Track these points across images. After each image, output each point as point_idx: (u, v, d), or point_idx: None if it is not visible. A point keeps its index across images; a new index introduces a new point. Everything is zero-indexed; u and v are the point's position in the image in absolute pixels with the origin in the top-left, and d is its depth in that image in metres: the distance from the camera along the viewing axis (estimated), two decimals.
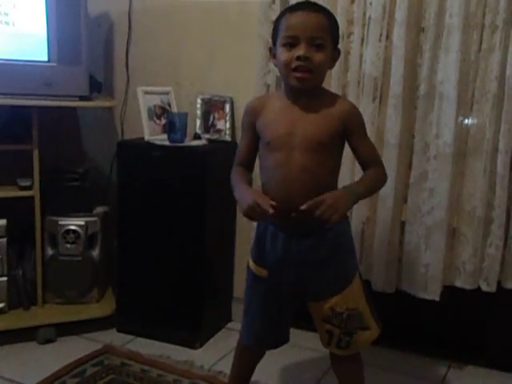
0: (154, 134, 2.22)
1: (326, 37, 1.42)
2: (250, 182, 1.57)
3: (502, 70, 1.82)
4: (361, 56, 1.99)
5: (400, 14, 1.89)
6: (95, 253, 2.27)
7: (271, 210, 1.36)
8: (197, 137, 2.26)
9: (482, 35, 1.85)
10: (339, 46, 1.52)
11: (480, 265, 1.95)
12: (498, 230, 1.90)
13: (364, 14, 1.96)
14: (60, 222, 2.22)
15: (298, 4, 1.52)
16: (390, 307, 2.06)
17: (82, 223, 2.24)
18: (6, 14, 1.98)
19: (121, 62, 2.46)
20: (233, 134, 2.29)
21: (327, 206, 1.35)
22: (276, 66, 1.53)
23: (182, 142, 2.14)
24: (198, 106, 2.28)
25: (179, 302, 2.18)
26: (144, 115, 2.20)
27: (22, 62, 2.01)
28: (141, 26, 2.42)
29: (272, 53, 1.52)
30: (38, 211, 2.13)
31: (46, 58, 2.03)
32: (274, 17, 2.09)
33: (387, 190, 1.96)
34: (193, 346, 2.16)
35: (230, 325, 2.36)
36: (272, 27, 2.03)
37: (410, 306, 2.08)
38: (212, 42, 2.31)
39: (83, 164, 2.37)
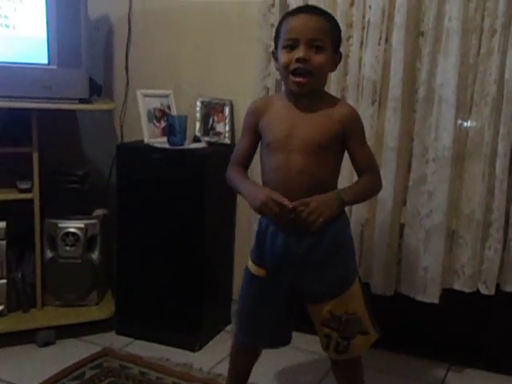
0: (153, 136, 2.22)
1: (325, 39, 1.43)
2: None
3: (500, 74, 1.83)
4: (360, 59, 2.00)
5: (399, 18, 1.89)
6: (94, 255, 2.27)
7: (289, 203, 1.39)
8: (196, 139, 2.26)
9: (480, 39, 1.86)
10: (341, 46, 1.53)
11: (479, 268, 1.95)
12: (497, 233, 1.91)
13: (363, 17, 1.97)
14: (59, 225, 2.22)
15: (298, 8, 1.55)
16: (389, 310, 2.07)
17: (82, 226, 2.24)
18: (6, 17, 1.99)
19: (120, 64, 2.46)
20: (232, 137, 2.29)
21: (312, 208, 1.38)
22: (277, 69, 1.54)
23: (182, 144, 2.14)
24: (198, 108, 2.28)
25: (178, 304, 2.18)
26: (144, 118, 2.21)
27: (22, 65, 2.01)
28: (140, 29, 2.43)
29: (274, 56, 1.53)
30: (38, 214, 2.13)
31: (45, 61, 2.04)
32: (273, 20, 2.11)
33: (386, 193, 1.97)
34: (192, 349, 2.16)
35: (229, 327, 2.36)
36: (272, 30, 2.09)
37: (409, 309, 2.08)
38: (211, 45, 2.31)
39: (83, 166, 2.37)
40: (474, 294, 1.97)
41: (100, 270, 2.29)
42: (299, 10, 1.49)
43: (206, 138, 2.28)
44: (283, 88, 1.59)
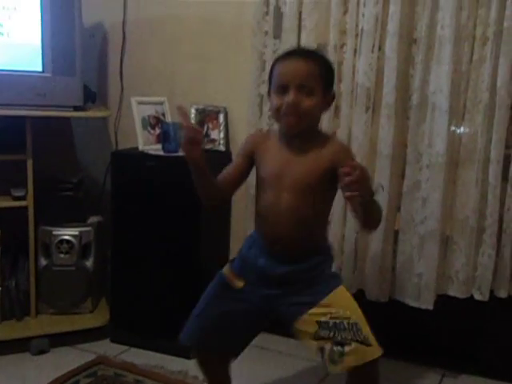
0: (148, 143, 2.22)
1: (315, 83, 1.45)
2: (213, 188, 1.55)
3: (492, 81, 1.84)
4: (353, 66, 2.01)
5: (392, 26, 1.91)
6: (89, 263, 2.27)
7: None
8: None
9: (473, 47, 1.88)
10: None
11: (473, 273, 1.96)
12: (491, 239, 1.92)
13: (356, 25, 1.99)
14: (54, 232, 2.21)
15: (290, 51, 1.56)
16: (383, 316, 2.07)
17: (76, 233, 2.23)
18: (1, 25, 1.99)
19: (115, 72, 2.47)
20: (227, 144, 2.30)
21: (356, 177, 1.27)
22: (270, 110, 1.59)
23: (177, 151, 2.14)
24: (192, 115, 2.29)
25: (173, 311, 2.17)
26: (138, 125, 2.21)
27: (16, 73, 2.01)
28: (135, 37, 2.44)
29: (269, 97, 1.55)
30: (32, 221, 2.13)
31: (40, 69, 2.04)
32: (267, 28, 2.12)
33: (381, 200, 1.97)
34: (187, 356, 2.15)
35: None
36: (266, 38, 2.12)
37: (404, 315, 2.08)
38: (206, 53, 2.32)
39: (77, 174, 2.36)
40: (468, 300, 1.97)
41: (94, 278, 2.29)
42: (290, 55, 1.51)
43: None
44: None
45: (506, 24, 1.80)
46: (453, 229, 1.98)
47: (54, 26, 2.02)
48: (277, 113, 1.48)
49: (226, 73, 2.29)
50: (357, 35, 1.99)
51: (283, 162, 1.51)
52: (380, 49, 1.98)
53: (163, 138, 2.16)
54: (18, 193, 2.10)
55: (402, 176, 2.02)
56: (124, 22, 2.43)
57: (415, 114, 1.95)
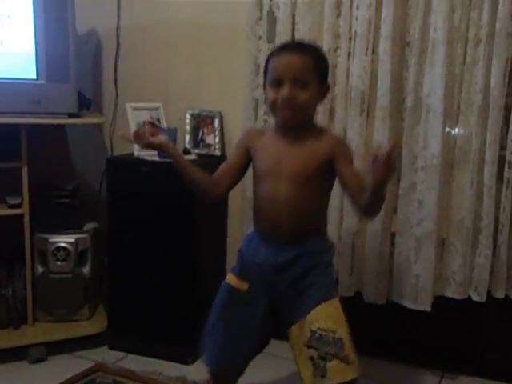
0: (143, 149, 2.22)
1: (309, 76, 1.47)
2: (204, 179, 1.59)
3: (486, 83, 1.85)
4: (348, 70, 2.02)
5: (385, 29, 1.92)
6: (86, 270, 2.26)
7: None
8: (186, 152, 2.26)
9: (466, 49, 1.89)
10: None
11: (470, 274, 1.97)
12: (487, 240, 1.92)
13: (350, 28, 1.99)
14: (50, 240, 2.21)
15: (283, 45, 1.58)
16: (381, 318, 2.08)
17: (72, 240, 2.23)
18: None
19: (109, 78, 2.47)
20: (222, 149, 2.30)
21: (394, 158, 1.27)
22: (266, 104, 1.59)
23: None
24: (187, 121, 2.29)
25: (171, 317, 2.17)
26: (133, 131, 2.20)
27: (10, 80, 2.01)
28: (129, 43, 2.44)
29: (264, 90, 1.56)
30: (28, 229, 2.12)
31: (34, 76, 2.03)
32: (261, 32, 2.13)
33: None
34: (185, 362, 2.15)
35: None
36: (260, 42, 2.12)
37: (401, 317, 2.08)
38: (200, 58, 2.32)
39: (73, 181, 2.36)
40: (466, 301, 1.98)
41: (91, 285, 2.28)
42: (284, 49, 1.53)
43: (196, 151, 2.28)
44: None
45: (498, 26, 1.81)
46: (449, 230, 1.99)
47: (48, 34, 2.02)
48: (273, 106, 1.50)
49: (220, 77, 2.30)
50: (350, 38, 2.00)
51: (280, 154, 1.52)
52: (374, 52, 1.98)
53: (157, 145, 2.16)
54: (14, 200, 2.10)
55: (398, 178, 2.02)
56: (118, 29, 2.43)
57: (410, 117, 1.96)
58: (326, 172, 1.51)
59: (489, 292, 1.96)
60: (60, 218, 2.25)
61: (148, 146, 1.58)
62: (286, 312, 1.53)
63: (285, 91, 1.45)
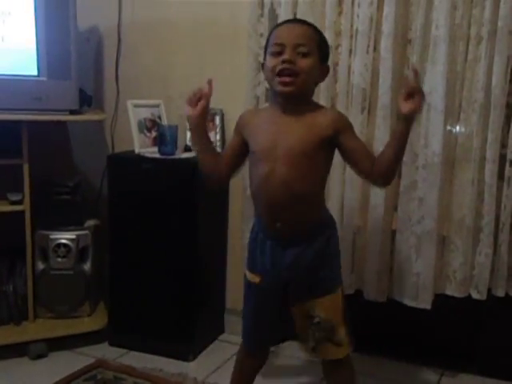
0: (144, 146, 2.22)
1: (311, 45, 1.46)
2: (214, 161, 1.61)
3: (487, 81, 1.85)
4: (349, 67, 2.01)
5: (387, 27, 1.91)
6: (86, 266, 2.26)
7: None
8: (187, 149, 2.26)
9: (467, 46, 1.88)
10: (330, 55, 1.58)
11: (470, 273, 1.96)
12: (488, 239, 1.92)
13: (351, 26, 1.99)
14: (51, 236, 2.21)
15: (287, 19, 1.60)
16: (381, 316, 2.08)
17: (73, 237, 2.23)
18: None
19: (111, 75, 2.46)
20: (223, 146, 2.29)
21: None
22: (266, 78, 1.57)
23: (173, 154, 2.14)
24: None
25: (172, 314, 2.17)
26: (134, 128, 2.21)
27: (11, 77, 2.01)
28: (130, 40, 2.43)
29: (263, 67, 1.55)
30: (29, 225, 2.12)
31: (35, 73, 2.03)
32: (262, 29, 2.12)
33: (378, 200, 1.99)
34: (186, 359, 2.15)
35: (222, 336, 2.35)
36: (261, 39, 2.11)
37: (402, 315, 2.08)
38: (201, 55, 2.32)
39: (74, 177, 2.36)
40: (466, 299, 1.98)
41: (92, 281, 2.28)
42: (287, 20, 1.55)
43: None
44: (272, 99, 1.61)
45: (500, 23, 1.80)
46: (450, 228, 1.98)
47: (49, 30, 2.02)
48: (272, 73, 1.47)
49: (221, 75, 2.28)
50: (352, 36, 1.99)
51: (275, 133, 1.49)
52: (375, 49, 1.98)
53: (159, 141, 2.16)
54: (15, 197, 2.10)
55: (399, 176, 2.02)
56: (119, 26, 2.42)
57: None
58: (326, 149, 1.49)
59: (489, 290, 1.96)
60: (61, 214, 2.25)
61: (193, 101, 1.66)
62: (292, 294, 1.57)
63: (285, 55, 1.43)
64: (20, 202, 2.10)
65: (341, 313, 1.56)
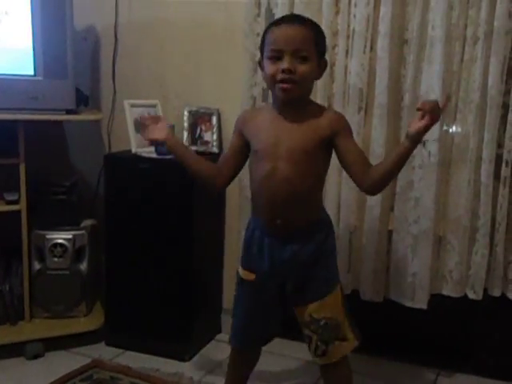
0: (141, 146, 2.21)
1: (310, 49, 1.46)
2: (207, 170, 1.65)
3: (484, 81, 1.85)
4: (346, 67, 2.01)
5: (383, 27, 1.92)
6: (83, 266, 2.26)
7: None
8: None
9: (464, 46, 1.88)
10: (327, 55, 1.57)
11: (466, 273, 1.97)
12: (484, 239, 1.92)
13: (348, 26, 1.99)
14: (47, 236, 2.20)
15: (282, 17, 1.57)
16: (378, 316, 2.08)
17: (70, 237, 2.23)
18: None
19: (107, 75, 2.46)
20: (220, 146, 2.30)
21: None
22: (264, 79, 1.58)
23: (169, 154, 2.13)
24: (185, 118, 2.29)
25: (168, 314, 2.17)
26: (131, 128, 2.20)
27: (8, 76, 2.01)
28: (127, 39, 2.43)
29: (261, 65, 1.55)
30: (25, 225, 2.12)
31: (32, 72, 2.03)
32: (259, 29, 2.12)
33: (374, 200, 1.98)
34: (182, 359, 2.15)
35: (219, 336, 2.35)
36: (257, 39, 2.10)
37: (398, 315, 2.09)
38: (198, 55, 2.32)
39: (70, 177, 2.35)
40: (462, 299, 1.98)
41: (88, 281, 2.28)
42: (283, 20, 1.52)
43: (194, 147, 2.27)
44: (271, 99, 1.61)
45: (496, 24, 1.81)
46: (446, 228, 1.99)
47: (46, 30, 2.02)
48: (272, 80, 1.47)
49: (218, 75, 2.29)
50: (348, 36, 1.99)
51: (278, 132, 1.51)
52: (372, 49, 1.98)
53: (156, 141, 2.15)
54: (11, 197, 2.10)
55: None
56: (116, 25, 2.42)
57: (407, 114, 1.96)
58: (325, 149, 1.51)
59: (485, 290, 1.96)
60: (57, 214, 2.25)
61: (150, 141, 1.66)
62: (291, 296, 1.58)
63: (285, 63, 1.43)
64: (16, 202, 2.09)
65: (342, 309, 1.58)
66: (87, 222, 2.33)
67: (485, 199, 1.90)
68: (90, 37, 2.49)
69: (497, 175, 1.91)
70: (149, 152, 2.16)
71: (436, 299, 2.01)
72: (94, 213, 2.41)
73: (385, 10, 1.91)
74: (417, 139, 1.40)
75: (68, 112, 2.10)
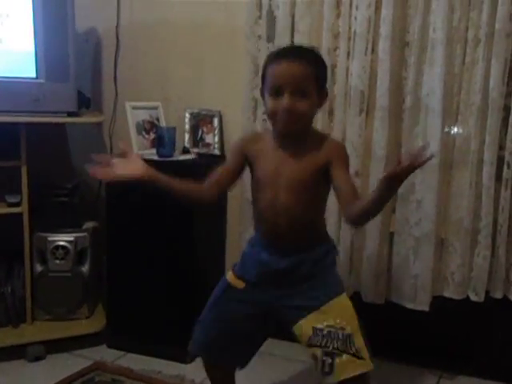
0: (142, 148, 2.22)
1: (310, 85, 1.45)
2: (193, 186, 1.57)
3: (485, 83, 1.85)
4: (347, 69, 2.01)
5: (384, 29, 1.92)
6: (85, 268, 2.26)
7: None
8: (185, 151, 2.27)
9: (465, 49, 1.89)
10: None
11: (468, 275, 1.97)
12: (485, 240, 1.92)
13: (349, 28, 1.99)
14: (49, 238, 2.21)
15: (282, 51, 1.52)
16: (379, 318, 2.07)
17: (72, 239, 2.23)
18: None
19: (109, 77, 2.46)
20: (221, 148, 2.30)
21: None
22: (265, 109, 1.58)
23: (171, 156, 2.14)
24: (187, 120, 2.29)
25: (169, 316, 2.17)
26: (132, 130, 2.21)
27: (10, 79, 2.01)
28: (128, 42, 2.43)
29: (262, 94, 1.54)
30: (27, 227, 2.12)
31: (34, 75, 2.03)
32: (260, 31, 2.13)
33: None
34: (183, 361, 2.15)
35: None
36: (259, 42, 2.12)
37: (400, 317, 2.08)
38: (200, 57, 2.32)
39: (72, 179, 2.36)
40: (464, 301, 1.98)
41: (90, 283, 2.28)
42: (283, 55, 1.48)
43: (196, 150, 2.28)
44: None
45: (497, 26, 1.81)
46: (448, 230, 1.99)
47: (47, 32, 2.02)
48: (273, 116, 1.48)
49: (220, 77, 2.30)
50: (350, 38, 1.99)
51: (279, 162, 1.51)
52: (373, 52, 1.98)
53: (157, 143, 2.16)
54: (13, 199, 2.10)
55: None
56: (117, 27, 2.42)
57: (409, 116, 1.96)
58: (323, 178, 1.49)
59: (487, 292, 1.96)
60: (59, 216, 2.25)
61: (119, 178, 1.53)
62: (286, 312, 1.53)
63: (285, 102, 1.42)
64: (18, 204, 2.10)
65: (355, 320, 1.48)
66: (89, 224, 2.33)
67: (486, 201, 1.90)
68: (92, 39, 2.50)
69: (498, 177, 1.91)
70: (150, 154, 2.16)
71: (438, 301, 2.00)
72: (96, 215, 2.41)
73: (386, 13, 1.91)
74: (391, 183, 1.29)
75: (70, 114, 2.10)
